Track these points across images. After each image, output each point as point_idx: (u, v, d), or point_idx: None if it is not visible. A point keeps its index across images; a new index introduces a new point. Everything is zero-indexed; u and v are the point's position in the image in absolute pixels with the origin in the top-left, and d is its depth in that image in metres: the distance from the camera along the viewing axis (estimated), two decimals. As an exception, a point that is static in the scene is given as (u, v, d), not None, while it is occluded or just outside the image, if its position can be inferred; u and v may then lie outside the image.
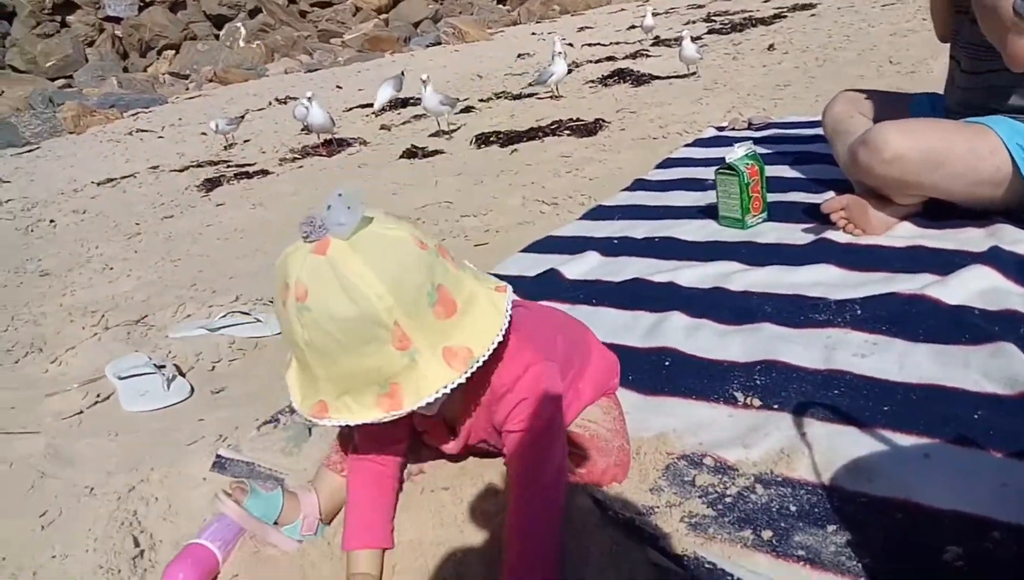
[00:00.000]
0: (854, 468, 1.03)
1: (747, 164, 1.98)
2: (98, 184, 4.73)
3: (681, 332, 1.50)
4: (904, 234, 1.79)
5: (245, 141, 5.58)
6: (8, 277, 2.91)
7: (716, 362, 1.37)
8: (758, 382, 1.28)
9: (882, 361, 1.27)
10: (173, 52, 14.03)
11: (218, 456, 1.31)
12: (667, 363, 1.39)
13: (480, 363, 0.86)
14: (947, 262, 1.57)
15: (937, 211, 1.81)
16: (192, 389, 1.65)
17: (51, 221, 3.84)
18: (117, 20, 14.38)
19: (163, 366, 1.70)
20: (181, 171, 4.69)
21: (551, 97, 5.07)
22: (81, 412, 1.63)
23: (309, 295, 0.81)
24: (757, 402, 1.22)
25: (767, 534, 0.94)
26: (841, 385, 1.23)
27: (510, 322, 0.91)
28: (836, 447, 1.08)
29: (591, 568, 0.90)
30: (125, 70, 13.43)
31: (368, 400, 0.84)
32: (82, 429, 1.57)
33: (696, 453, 1.12)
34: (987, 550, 0.85)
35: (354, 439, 1.07)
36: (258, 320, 1.92)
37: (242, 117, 5.42)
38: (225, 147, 5.25)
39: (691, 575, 0.87)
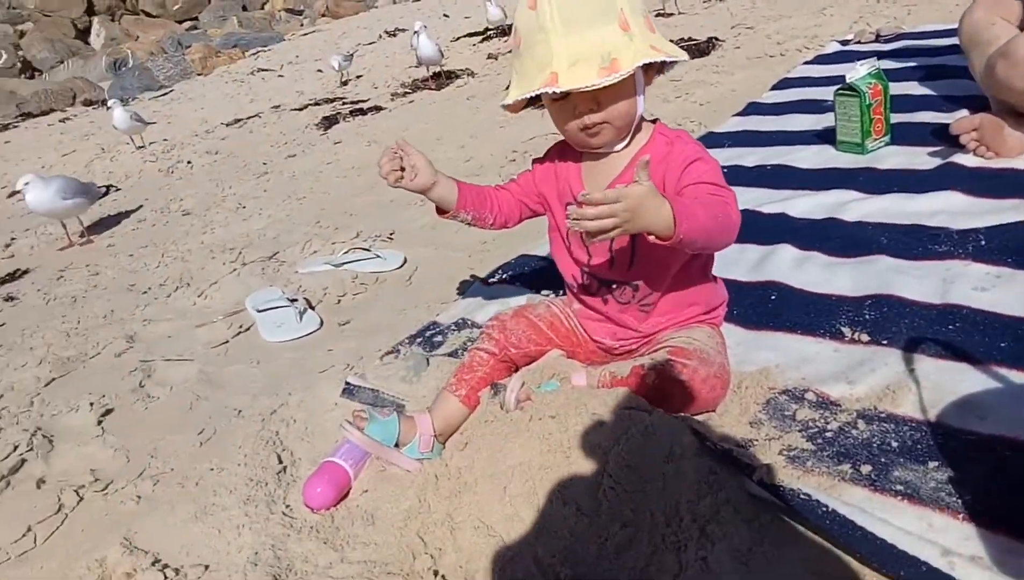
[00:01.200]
0: (964, 405, 1.01)
1: (870, 83, 1.87)
2: (227, 125, 5.03)
3: (789, 264, 1.48)
4: (1044, 156, 1.65)
5: (358, 77, 5.74)
6: (156, 217, 3.21)
7: (824, 296, 1.35)
8: (867, 317, 1.25)
9: (1004, 295, 1.22)
10: (287, -12, 14.37)
11: (347, 383, 1.44)
12: (773, 297, 1.39)
13: (676, 61, 1.08)
14: (1092, 186, 1.46)
15: (1086, 129, 1.66)
16: (321, 321, 1.80)
17: (188, 162, 4.15)
18: (234, -40, 14.80)
19: (295, 300, 1.86)
20: (301, 109, 4.91)
21: (662, 15, 4.86)
22: (227, 342, 1.82)
23: None
24: (865, 337, 1.21)
25: (866, 469, 0.95)
26: (957, 320, 1.19)
27: None
28: (945, 384, 1.06)
29: (687, 492, 0.95)
30: (244, 9, 13.93)
31: (591, 70, 1.02)
32: (228, 357, 1.76)
33: (798, 388, 1.13)
34: (1101, 492, 0.83)
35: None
36: (378, 256, 2.05)
37: (352, 55, 5.60)
38: (341, 84, 5.42)
39: (787, 505, 0.91)
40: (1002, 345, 1.11)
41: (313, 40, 9.63)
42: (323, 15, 12.28)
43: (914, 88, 2.26)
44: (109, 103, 4.86)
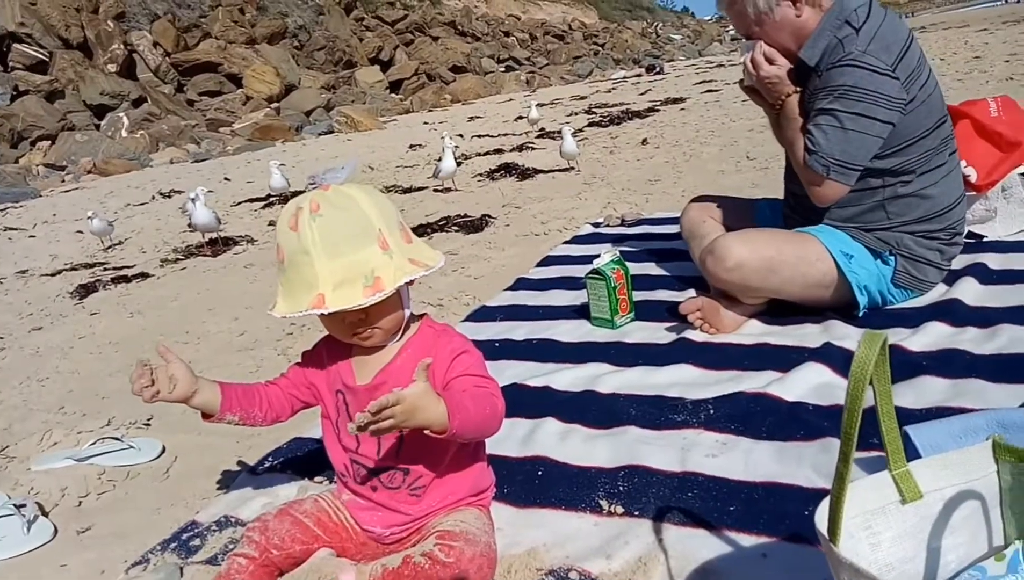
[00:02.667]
0: (703, 572, 1.12)
1: (613, 269, 2.13)
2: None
3: (554, 438, 1.58)
4: (752, 332, 1.97)
5: (127, 238, 5.41)
6: None
7: (585, 468, 1.45)
8: (621, 488, 1.36)
9: (730, 460, 1.39)
10: (48, 143, 13.45)
11: (80, 607, 1.25)
12: (540, 472, 1.46)
13: (433, 269, 1.15)
14: (787, 359, 1.75)
15: (780, 309, 2.01)
16: (56, 530, 1.57)
17: None
18: (-13, 110, 13.70)
19: (23, 505, 1.61)
20: (53, 275, 4.48)
21: (440, 192, 5.23)
22: (-74, 565, 1.51)
23: (321, 208, 1.09)
24: (620, 509, 1.31)
25: (624, 648, 1.00)
26: (694, 487, 1.33)
27: None
28: (688, 551, 1.17)
29: None
30: (-6, 162, 12.74)
31: (357, 289, 1.08)
32: (-73, 584, 1.46)
33: (563, 567, 1.18)
34: (813, 647, 0.94)
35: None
36: (131, 446, 1.86)
37: (112, 222, 5.19)
38: (103, 249, 5.03)
39: None
40: (731, 508, 1.25)
41: (75, 197, 8.99)
42: (89, 172, 11.57)
43: (652, 269, 2.61)
44: None
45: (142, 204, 7.33)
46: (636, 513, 1.29)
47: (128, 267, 4.36)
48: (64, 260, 4.90)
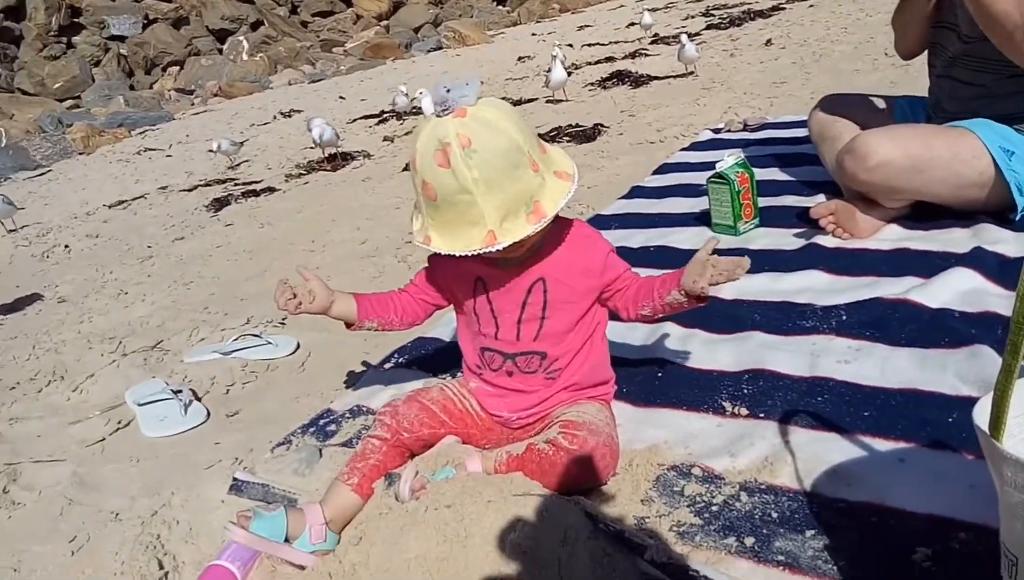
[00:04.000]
0: (834, 474, 1.08)
1: (737, 172, 2.03)
2: (110, 207, 4.83)
3: (674, 342, 1.56)
4: (891, 237, 1.83)
5: (253, 156, 5.68)
6: (27, 305, 3.00)
7: (706, 372, 1.43)
8: (746, 391, 1.33)
9: (864, 366, 1.33)
10: (178, 68, 14.19)
11: (234, 479, 1.38)
12: (659, 374, 1.45)
13: (577, 181, 1.16)
14: (931, 265, 1.62)
15: (924, 212, 1.86)
16: (208, 413, 1.72)
17: (66, 246, 3.94)
18: (122, 39, 14.55)
19: (180, 391, 1.77)
20: (190, 191, 4.79)
21: (552, 102, 5.12)
22: (103, 439, 1.71)
23: (472, 141, 1.05)
24: (744, 411, 1.28)
25: (749, 540, 0.99)
26: (824, 392, 1.28)
27: None
28: (818, 454, 1.13)
29: (582, 575, 0.96)
30: (131, 88, 13.60)
31: (521, 219, 1.09)
32: (105, 456, 1.65)
33: (685, 463, 1.17)
34: (954, 550, 0.90)
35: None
36: (269, 342, 1.99)
37: (241, 142, 5.49)
38: (229, 167, 5.30)
39: (677, 582, 0.93)
40: (865, 414, 1.20)
41: (204, 119, 9.49)
42: (215, 95, 12.14)
43: (778, 174, 2.47)
44: (-23, 186, 4.58)
45: (265, 124, 7.64)
46: (761, 415, 1.26)
47: (256, 182, 4.59)
48: (198, 177, 5.22)
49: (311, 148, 5.14)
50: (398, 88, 5.75)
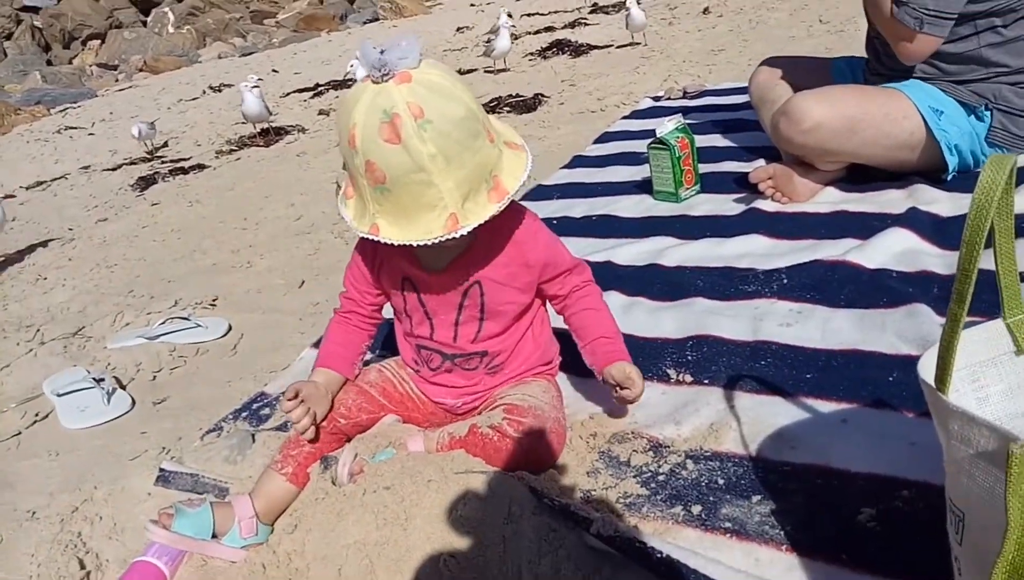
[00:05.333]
0: (778, 437, 1.08)
1: (677, 137, 2.01)
2: (27, 189, 4.56)
3: (618, 311, 1.51)
4: (828, 200, 1.85)
5: (181, 133, 5.43)
6: (-64, 294, 2.80)
7: (651, 340, 1.41)
8: (689, 358, 1.32)
9: (805, 329, 1.32)
10: (99, 42, 13.49)
11: (161, 470, 1.30)
12: (603, 345, 1.42)
13: (528, 153, 1.06)
14: (868, 226, 1.64)
15: (859, 175, 1.88)
16: (133, 401, 1.63)
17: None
18: (35, 10, 13.74)
19: (102, 379, 1.67)
20: (114, 170, 4.55)
21: (491, 72, 5.04)
22: (19, 433, 1.60)
23: (425, 111, 0.91)
24: (688, 378, 1.26)
25: (696, 509, 0.98)
26: (768, 355, 1.27)
27: None
28: (762, 418, 1.12)
29: (527, 552, 0.93)
30: (49, 63, 12.87)
31: (483, 198, 0.98)
32: (21, 450, 1.54)
33: (630, 432, 1.15)
34: (898, 508, 0.90)
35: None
36: (198, 325, 1.90)
37: (154, 122, 4.93)
38: (146, 153, 4.91)
39: (623, 555, 0.91)
40: (807, 376, 1.20)
41: (130, 95, 9.05)
42: (140, 70, 11.59)
43: (718, 140, 2.47)
44: None
45: (194, 99, 7.33)
46: (706, 382, 1.24)
47: (184, 159, 4.39)
48: (123, 155, 4.96)
49: (242, 123, 4.94)
50: (355, 55, 5.16)
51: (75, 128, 6.95)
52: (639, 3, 4.61)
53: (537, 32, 6.59)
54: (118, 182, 4.17)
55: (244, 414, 1.44)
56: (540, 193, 2.40)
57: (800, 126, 1.74)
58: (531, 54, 5.41)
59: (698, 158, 2.09)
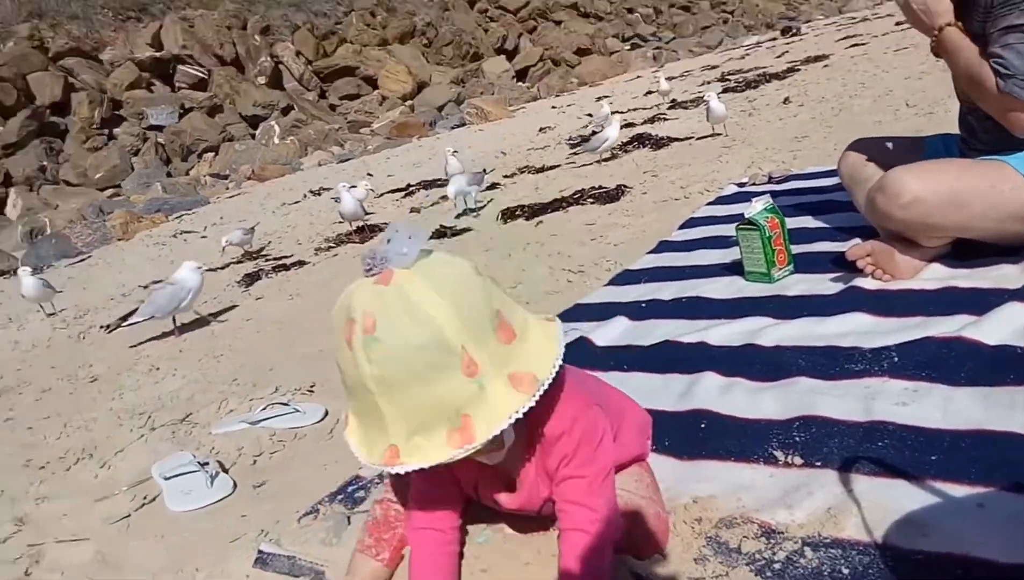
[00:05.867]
0: (906, 523, 0.99)
1: (767, 217, 1.98)
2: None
3: (715, 392, 1.48)
4: (935, 276, 1.76)
5: (284, 233, 5.78)
6: (61, 385, 3.01)
7: (753, 421, 1.35)
8: (797, 439, 1.25)
9: (924, 408, 1.24)
10: (213, 154, 14.71)
11: (260, 551, 1.31)
12: (703, 425, 1.37)
13: (545, 386, 0.86)
14: (983, 301, 1.54)
15: (966, 250, 1.78)
16: (235, 484, 1.67)
17: (101, 326, 3.98)
18: (160, 128, 15.16)
19: (206, 463, 1.73)
20: (223, 268, 4.85)
21: (575, 166, 5.16)
22: (129, 516, 1.66)
23: (377, 326, 0.81)
24: (798, 460, 1.20)
25: (818, 600, 0.90)
26: (884, 436, 1.19)
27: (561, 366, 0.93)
28: (885, 502, 1.04)
29: (636, 647, 0.87)
30: (168, 175, 14.08)
31: (439, 438, 0.83)
32: (130, 532, 1.60)
33: (739, 517, 1.09)
34: (1052, 604, 0.81)
35: (408, 507, 1.09)
36: (296, 410, 1.95)
37: (253, 229, 5.18)
38: (243, 257, 5.08)
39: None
40: (932, 458, 1.11)
41: (238, 201, 9.74)
42: (249, 178, 12.51)
43: (809, 221, 2.42)
44: (19, 271, 4.69)
45: (296, 202, 7.81)
46: (818, 463, 1.17)
47: (286, 257, 4.64)
48: (231, 254, 5.30)
49: (340, 223, 5.21)
50: (446, 153, 5.31)
51: (189, 232, 7.50)
52: (718, 97, 4.69)
53: (628, 122, 6.75)
54: (226, 279, 4.44)
55: (339, 497, 1.45)
56: (627, 278, 2.40)
57: (899, 201, 1.69)
58: (612, 148, 5.53)
59: (790, 239, 2.05)
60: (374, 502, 1.19)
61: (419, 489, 1.07)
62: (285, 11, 19.04)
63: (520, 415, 0.84)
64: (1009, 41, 1.58)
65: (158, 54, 16.32)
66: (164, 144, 14.91)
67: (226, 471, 1.74)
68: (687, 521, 1.11)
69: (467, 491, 1.09)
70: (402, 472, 0.84)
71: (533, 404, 0.85)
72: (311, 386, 2.16)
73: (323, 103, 17.11)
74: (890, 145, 2.12)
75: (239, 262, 4.93)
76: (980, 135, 1.82)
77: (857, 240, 2.08)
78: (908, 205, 1.68)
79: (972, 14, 1.67)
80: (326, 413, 1.95)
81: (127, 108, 15.39)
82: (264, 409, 2.00)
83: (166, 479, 1.72)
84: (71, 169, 14.25)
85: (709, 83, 9.16)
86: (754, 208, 2.00)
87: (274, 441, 1.85)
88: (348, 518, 1.34)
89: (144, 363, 3.01)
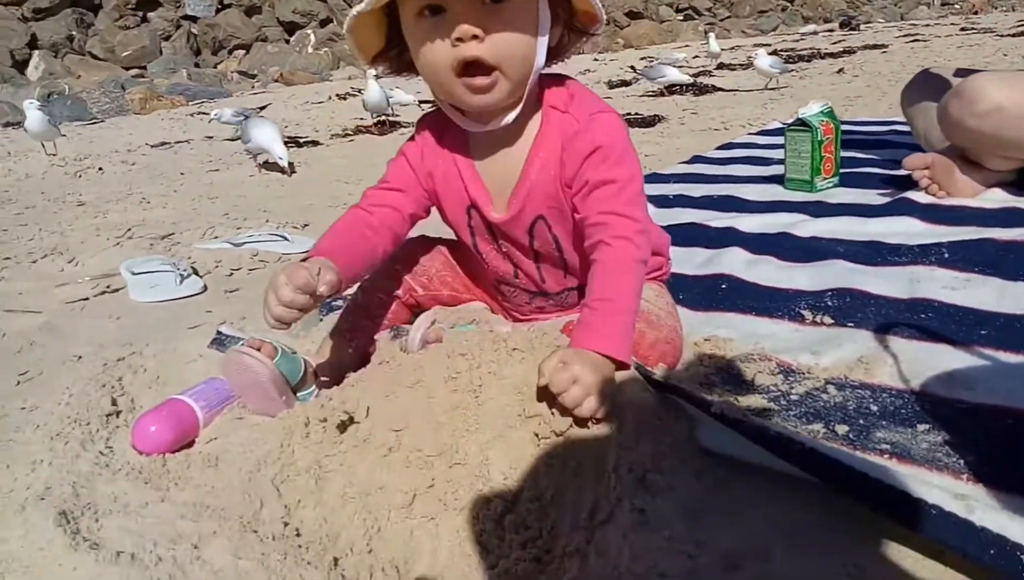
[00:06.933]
0: (948, 379, 0.86)
1: (822, 120, 1.83)
2: (153, 146, 4.77)
3: (740, 263, 1.34)
4: (996, 198, 1.60)
5: (304, 121, 5.61)
6: (47, 205, 2.88)
7: (780, 289, 1.21)
8: (829, 304, 1.11)
9: (977, 294, 1.10)
10: (244, 52, 14.42)
11: (218, 332, 1.19)
12: (723, 286, 1.24)
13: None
14: (1049, 222, 1.39)
15: (1034, 181, 1.63)
16: (205, 286, 1.55)
17: (99, 169, 3.85)
18: (195, 19, 14.85)
19: (179, 265, 1.60)
20: (233, 140, 4.70)
21: (611, 100, 4.97)
22: (87, 299, 1.54)
23: None
24: (828, 320, 1.06)
25: (842, 429, 0.77)
26: (929, 311, 1.06)
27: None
28: (924, 359, 0.91)
29: (626, 439, 0.74)
30: (196, 66, 13.80)
31: None
32: (84, 313, 1.48)
33: (756, 354, 0.96)
34: None
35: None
36: (285, 237, 1.82)
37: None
38: (233, 138, 4.69)
39: (753, 441, 0.71)
40: (982, 332, 0.97)
41: (261, 98, 9.53)
42: (276, 80, 12.26)
43: (860, 153, 2.25)
44: (25, 104, 4.52)
45: (319, 103, 7.61)
46: (850, 325, 1.04)
47: (302, 137, 4.48)
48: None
49: (362, 119, 5.04)
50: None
51: (207, 114, 7.32)
52: (768, 56, 4.47)
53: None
54: (236, 148, 4.29)
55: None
56: (654, 179, 2.24)
57: (975, 107, 1.52)
58: (651, 91, 5.33)
59: (840, 158, 1.89)
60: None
61: (385, 179, 1.00)
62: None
63: None
64: None
65: (205, -58, 15.91)
66: (196, 35, 14.60)
67: (199, 275, 1.62)
68: (697, 355, 0.98)
69: (457, 216, 0.97)
70: None
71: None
72: (305, 224, 2.03)
73: (364, 20, 16.73)
74: (967, 72, 1.94)
75: (252, 138, 4.77)
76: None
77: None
78: (986, 114, 1.51)
79: None
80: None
81: (165, -8, 15.06)
82: (251, 234, 1.87)
83: (133, 274, 1.60)
84: (99, 43, 13.99)
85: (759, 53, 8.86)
86: (811, 109, 1.84)
87: (255, 260, 1.72)
88: (320, 318, 1.22)
89: (135, 197, 2.87)
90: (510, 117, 0.86)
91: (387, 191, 0.98)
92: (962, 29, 9.74)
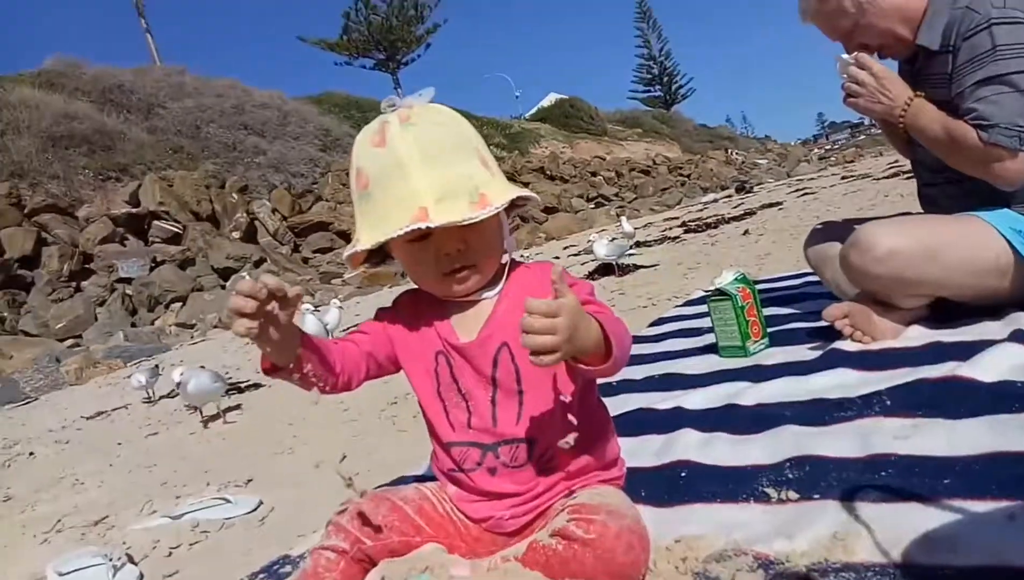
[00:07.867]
0: (928, 541, 0.83)
1: (738, 286, 1.91)
2: (88, 418, 4.61)
3: (694, 446, 1.32)
4: (917, 336, 1.67)
5: (245, 364, 5.57)
6: (-30, 507, 2.69)
7: (739, 468, 1.19)
8: (791, 476, 1.09)
9: (927, 439, 1.10)
10: (180, 304, 14.57)
11: (155, 634, 1.07)
12: (683, 475, 1.21)
13: (534, 198, 1.04)
14: (971, 351, 1.44)
15: (946, 313, 1.71)
16: (141, 575, 1.42)
17: (30, 453, 3.66)
18: (129, 280, 15.11)
19: (111, 557, 1.48)
20: (172, 397, 4.60)
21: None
22: (9, 616, 1.39)
23: (411, 116, 0.97)
24: (794, 495, 1.04)
25: (836, 624, 0.72)
26: (888, 467, 1.05)
27: None
28: (901, 524, 0.88)
29: None
30: (133, 325, 13.82)
31: (463, 204, 0.93)
32: (6, 634, 1.32)
33: (731, 551, 0.91)
34: None
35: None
36: (227, 500, 1.72)
37: (158, 367, 4.87)
38: (145, 401, 4.67)
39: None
40: (945, 482, 0.96)
41: (201, 347, 9.50)
42: (215, 326, 12.35)
43: (781, 310, 2.35)
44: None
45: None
46: (816, 497, 1.01)
47: (243, 381, 4.42)
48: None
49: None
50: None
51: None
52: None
53: (583, 264, 6.85)
54: (176, 405, 4.18)
55: (262, 576, 1.23)
56: (597, 368, 2.26)
57: (873, 253, 1.62)
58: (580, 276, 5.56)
59: (764, 319, 1.96)
60: (307, 550, 1.00)
61: (362, 330, 1.11)
62: (264, 171, 19.82)
63: (520, 194, 1.00)
64: (982, 94, 1.56)
65: (134, 210, 16.64)
66: (132, 295, 14.77)
67: (135, 563, 1.49)
68: (670, 561, 0.93)
69: (426, 362, 1.06)
70: (423, 227, 0.91)
71: (530, 194, 1.03)
72: (247, 480, 1.93)
73: (296, 256, 17.36)
74: (853, 227, 2.10)
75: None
76: (941, 201, 1.80)
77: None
78: (883, 258, 1.61)
79: (928, 84, 1.69)
80: (260, 503, 1.72)
81: (97, 261, 15.41)
82: (191, 504, 1.77)
83: (61, 575, 1.46)
84: (32, 320, 13.95)
85: (671, 229, 9.50)
86: (724, 278, 1.93)
87: (196, 532, 1.61)
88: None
89: (68, 480, 2.71)
90: (488, 294, 1.04)
91: (352, 334, 1.10)
92: (843, 177, 10.76)
